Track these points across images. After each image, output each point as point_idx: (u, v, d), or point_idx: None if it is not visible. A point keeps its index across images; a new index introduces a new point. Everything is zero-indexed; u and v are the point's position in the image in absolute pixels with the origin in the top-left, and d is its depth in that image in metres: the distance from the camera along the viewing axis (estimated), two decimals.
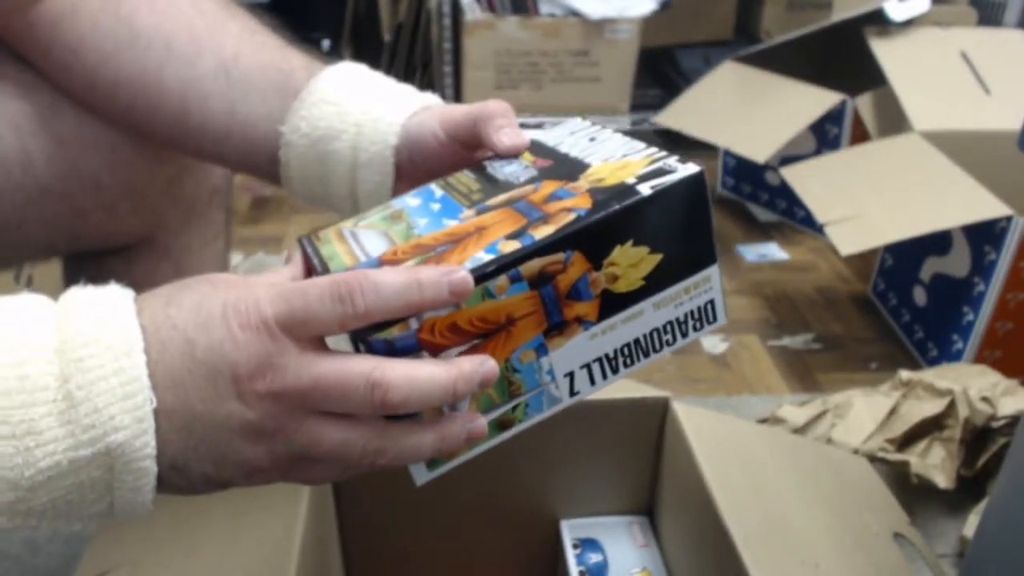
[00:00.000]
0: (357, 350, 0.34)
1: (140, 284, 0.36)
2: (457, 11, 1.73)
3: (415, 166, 0.48)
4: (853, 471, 0.62)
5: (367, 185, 0.50)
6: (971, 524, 0.82)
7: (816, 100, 1.40)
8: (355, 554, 0.65)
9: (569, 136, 0.47)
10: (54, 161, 0.54)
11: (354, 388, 0.32)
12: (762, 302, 1.33)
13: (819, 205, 1.12)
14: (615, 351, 0.40)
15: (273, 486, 0.38)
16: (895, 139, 1.17)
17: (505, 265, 0.35)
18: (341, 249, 0.38)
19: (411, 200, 0.43)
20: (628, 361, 0.41)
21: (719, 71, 1.54)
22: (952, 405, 0.84)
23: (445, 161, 0.47)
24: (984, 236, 1.04)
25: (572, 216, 0.37)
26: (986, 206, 1.01)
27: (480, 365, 0.34)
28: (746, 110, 1.46)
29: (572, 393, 0.40)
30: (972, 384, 0.86)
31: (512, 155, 0.45)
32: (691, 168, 0.38)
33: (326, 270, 0.37)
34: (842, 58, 1.47)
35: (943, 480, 0.82)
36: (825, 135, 1.46)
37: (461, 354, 0.35)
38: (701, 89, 1.54)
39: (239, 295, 0.34)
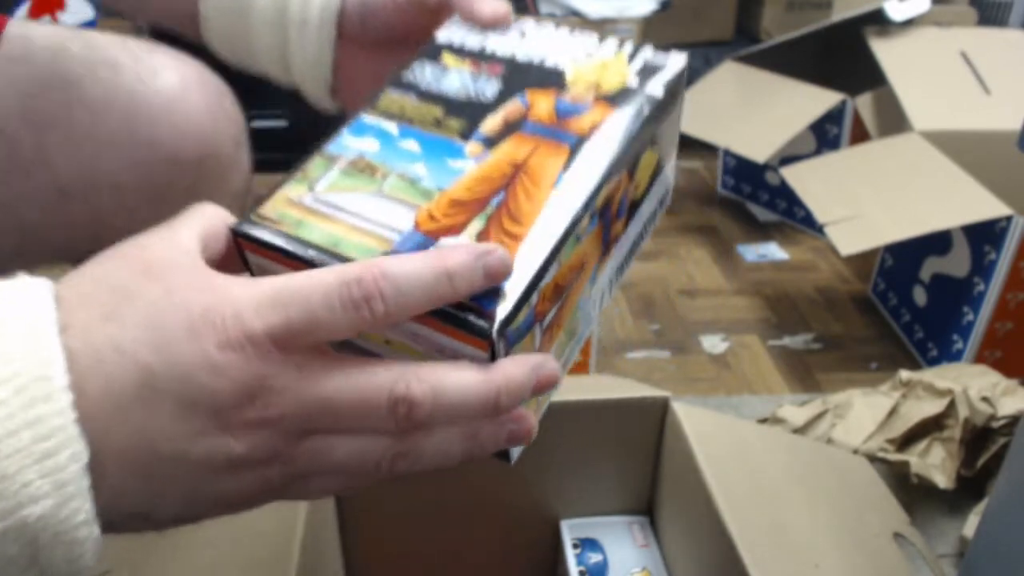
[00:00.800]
0: (492, 351, 0.28)
1: None
2: None
3: (365, 31, 0.44)
4: (853, 471, 0.62)
5: (305, 52, 0.44)
6: (971, 524, 0.82)
7: (816, 100, 1.40)
8: (355, 553, 0.65)
9: (481, 34, 0.40)
10: (71, 160, 0.53)
11: (375, 406, 0.27)
12: (762, 302, 1.33)
13: (819, 205, 1.12)
14: (624, 257, 0.38)
15: None
16: (895, 139, 1.17)
17: (588, 203, 0.31)
18: (336, 229, 0.30)
19: (361, 143, 0.34)
20: (628, 263, 0.38)
21: (719, 71, 1.54)
22: (952, 405, 0.84)
23: (402, 27, 0.42)
24: (984, 236, 1.04)
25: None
26: (986, 206, 1.01)
27: (536, 368, 0.28)
28: (746, 110, 1.46)
29: (599, 311, 0.36)
30: (972, 384, 0.86)
31: (493, 25, 0.39)
32: (678, 57, 0.36)
33: (340, 261, 0.29)
34: (842, 58, 1.47)
35: (943, 480, 0.82)
36: (825, 135, 1.46)
37: (557, 311, 0.31)
38: (701, 89, 1.54)
39: (208, 302, 0.26)
